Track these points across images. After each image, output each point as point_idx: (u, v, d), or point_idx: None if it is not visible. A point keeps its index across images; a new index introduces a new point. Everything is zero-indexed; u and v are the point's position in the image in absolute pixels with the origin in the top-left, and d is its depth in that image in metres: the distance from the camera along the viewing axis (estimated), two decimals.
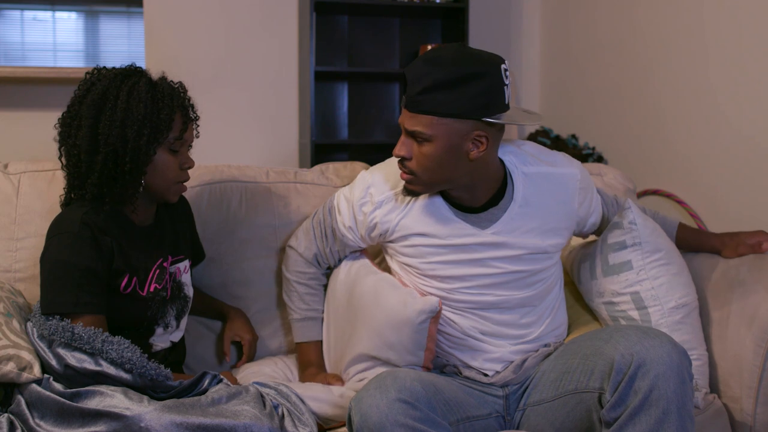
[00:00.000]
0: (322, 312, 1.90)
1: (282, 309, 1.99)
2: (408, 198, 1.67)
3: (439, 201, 1.66)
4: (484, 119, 1.51)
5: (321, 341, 1.88)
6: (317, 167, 2.18)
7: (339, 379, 1.78)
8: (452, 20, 3.53)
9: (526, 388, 1.67)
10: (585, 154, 3.19)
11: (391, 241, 1.72)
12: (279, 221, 2.02)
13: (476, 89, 1.49)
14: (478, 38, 3.68)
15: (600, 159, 3.19)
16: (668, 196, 2.65)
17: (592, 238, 2.07)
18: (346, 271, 1.84)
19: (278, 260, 1.98)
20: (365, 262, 1.83)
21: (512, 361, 1.69)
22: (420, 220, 1.66)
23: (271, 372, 1.86)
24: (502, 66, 1.53)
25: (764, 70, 2.25)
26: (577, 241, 2.10)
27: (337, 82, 3.66)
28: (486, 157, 1.57)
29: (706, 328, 1.83)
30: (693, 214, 2.57)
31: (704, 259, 1.92)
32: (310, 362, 1.86)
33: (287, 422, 1.49)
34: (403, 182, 1.63)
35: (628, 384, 1.42)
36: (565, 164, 1.72)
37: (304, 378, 1.84)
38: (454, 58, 1.51)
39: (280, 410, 1.50)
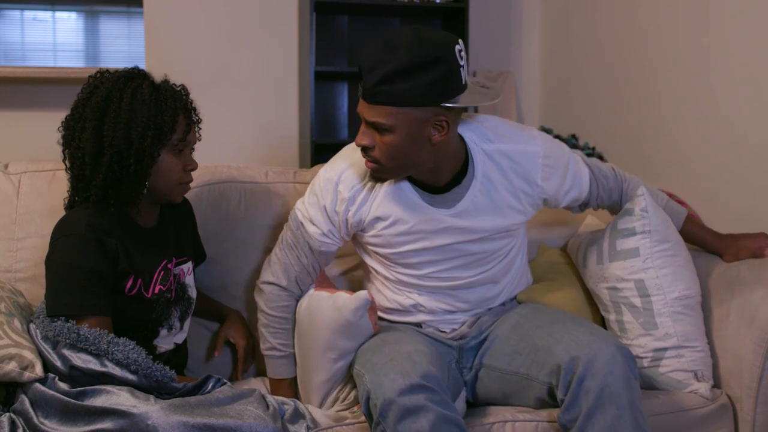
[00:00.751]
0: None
1: None
2: (376, 184, 1.68)
3: (405, 184, 1.67)
4: (443, 104, 1.51)
5: (296, 377, 1.81)
6: (317, 167, 2.18)
7: None
8: (452, 20, 3.52)
9: (481, 344, 1.74)
10: (585, 154, 3.19)
11: (363, 230, 1.72)
12: (278, 221, 2.01)
13: (433, 75, 1.47)
14: (478, 38, 3.68)
15: (600, 159, 3.20)
16: (668, 196, 2.64)
17: (599, 224, 2.08)
18: None
19: None
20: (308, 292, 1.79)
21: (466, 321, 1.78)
22: (386, 205, 1.67)
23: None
24: (456, 47, 1.51)
25: (764, 71, 2.25)
26: (585, 228, 2.10)
27: (337, 82, 3.65)
28: (448, 138, 1.58)
29: (705, 328, 1.83)
30: (693, 214, 2.56)
31: (704, 258, 1.93)
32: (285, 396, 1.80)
33: (286, 420, 1.51)
34: (367, 170, 1.64)
35: (578, 385, 1.48)
36: (526, 141, 1.70)
37: None
38: (408, 44, 1.47)
39: (284, 413, 1.51)
